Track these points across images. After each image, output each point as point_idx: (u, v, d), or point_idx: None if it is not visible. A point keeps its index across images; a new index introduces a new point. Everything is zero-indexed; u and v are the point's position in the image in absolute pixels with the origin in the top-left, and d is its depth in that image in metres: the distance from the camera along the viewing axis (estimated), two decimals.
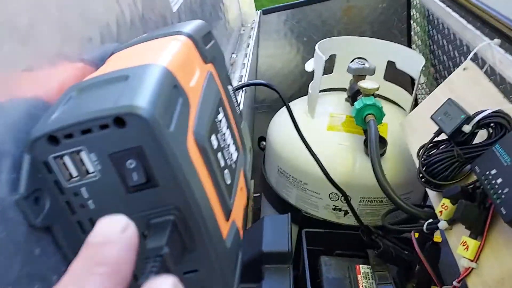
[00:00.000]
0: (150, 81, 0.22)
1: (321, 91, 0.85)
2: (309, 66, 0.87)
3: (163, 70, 0.23)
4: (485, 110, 0.50)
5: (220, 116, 0.30)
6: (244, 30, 1.03)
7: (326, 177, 0.63)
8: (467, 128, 0.50)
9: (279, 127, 0.90)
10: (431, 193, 0.59)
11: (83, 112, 0.20)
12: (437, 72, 1.10)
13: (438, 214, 0.54)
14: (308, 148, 0.63)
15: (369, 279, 0.66)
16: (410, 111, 0.87)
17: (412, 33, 1.24)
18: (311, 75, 0.90)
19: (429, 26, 1.13)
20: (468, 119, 0.50)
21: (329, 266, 0.69)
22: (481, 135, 0.52)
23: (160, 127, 0.20)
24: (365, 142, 0.75)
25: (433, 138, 0.58)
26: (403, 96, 0.94)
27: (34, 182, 0.21)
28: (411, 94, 0.89)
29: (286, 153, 0.83)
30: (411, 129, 0.72)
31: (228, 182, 0.28)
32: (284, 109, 0.98)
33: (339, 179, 0.67)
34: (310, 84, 0.88)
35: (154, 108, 0.20)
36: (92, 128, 0.20)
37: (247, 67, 0.74)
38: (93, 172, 0.21)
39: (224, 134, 0.30)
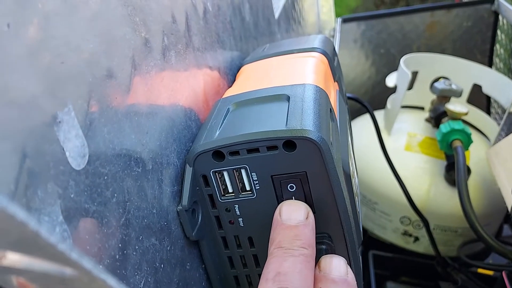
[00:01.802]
0: (313, 104, 0.21)
1: None
2: (391, 81, 0.84)
3: (320, 92, 0.22)
4: None
5: (349, 139, 0.29)
6: None
7: (409, 203, 0.61)
8: None
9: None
10: None
11: (251, 131, 0.20)
12: None
13: None
14: (392, 169, 0.61)
15: None
16: (495, 140, 0.82)
17: (494, 55, 1.17)
18: (382, 89, 0.87)
19: None
20: None
21: None
22: None
23: (330, 154, 0.19)
24: (447, 168, 0.71)
25: None
26: (486, 122, 0.88)
27: (193, 194, 0.21)
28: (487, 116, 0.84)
29: (358, 169, 0.80)
30: (499, 160, 0.67)
31: (358, 209, 0.27)
32: (357, 120, 0.95)
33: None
34: (389, 99, 0.85)
35: (325, 134, 0.19)
36: (260, 148, 0.19)
37: None
38: (249, 191, 0.21)
39: (352, 158, 0.29)
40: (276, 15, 0.54)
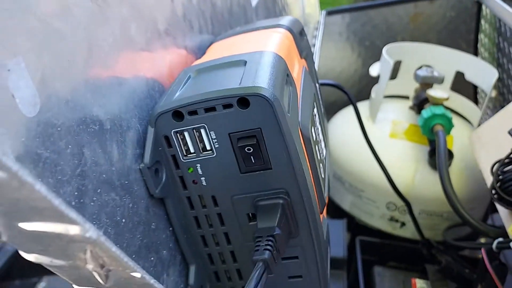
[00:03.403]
0: (269, 66, 0.22)
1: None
2: (374, 70, 0.85)
3: (278, 58, 0.24)
4: None
5: (315, 110, 0.30)
6: (306, 30, 1.03)
7: (391, 185, 0.62)
8: None
9: (337, 130, 0.89)
10: (503, 211, 0.56)
11: (208, 91, 0.21)
12: (505, 86, 1.05)
13: (511, 233, 0.51)
14: (374, 155, 0.62)
15: None
16: (478, 125, 0.84)
17: (479, 44, 1.19)
18: (369, 80, 0.88)
19: (499, 38, 1.08)
20: None
21: (383, 277, 0.67)
22: None
23: (282, 111, 0.20)
24: (430, 153, 0.73)
25: (510, 153, 0.55)
26: (469, 109, 0.90)
27: (155, 154, 0.22)
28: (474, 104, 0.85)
29: (344, 158, 0.81)
30: (481, 144, 0.68)
31: (323, 176, 0.28)
32: (342, 112, 0.97)
33: (399, 189, 0.66)
34: (373, 88, 0.86)
35: (277, 93, 0.20)
36: (216, 107, 0.21)
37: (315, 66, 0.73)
38: (209, 150, 0.22)
39: (318, 128, 0.30)
40: (253, 3, 0.55)
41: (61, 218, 0.11)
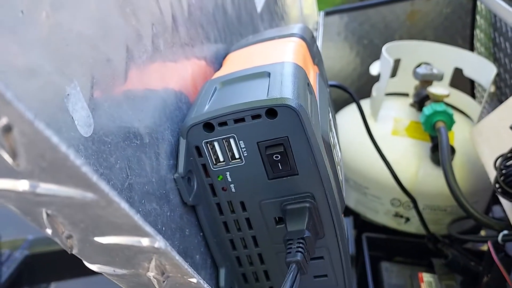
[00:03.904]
0: (292, 77, 0.23)
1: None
2: (374, 69, 0.86)
3: (298, 68, 0.25)
4: None
5: (330, 115, 0.32)
6: None
7: (396, 182, 0.63)
8: None
9: (339, 130, 0.90)
10: (507, 204, 0.57)
11: (237, 103, 0.22)
12: (502, 80, 1.07)
13: None
14: (379, 152, 0.63)
15: None
16: (478, 120, 0.85)
17: (475, 40, 1.21)
18: (368, 79, 0.90)
19: (495, 33, 1.09)
20: None
21: (390, 273, 0.69)
22: None
23: (308, 119, 0.21)
24: (432, 149, 0.74)
25: None
26: (469, 104, 0.91)
27: (188, 164, 0.23)
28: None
29: (347, 156, 0.83)
30: (482, 138, 0.70)
31: (340, 178, 0.29)
32: (344, 110, 0.98)
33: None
34: (374, 87, 0.88)
35: (302, 102, 0.22)
36: (245, 118, 0.22)
37: None
38: (238, 158, 0.23)
39: (334, 132, 0.31)
40: (259, 9, 0.56)
41: (137, 231, 0.12)
